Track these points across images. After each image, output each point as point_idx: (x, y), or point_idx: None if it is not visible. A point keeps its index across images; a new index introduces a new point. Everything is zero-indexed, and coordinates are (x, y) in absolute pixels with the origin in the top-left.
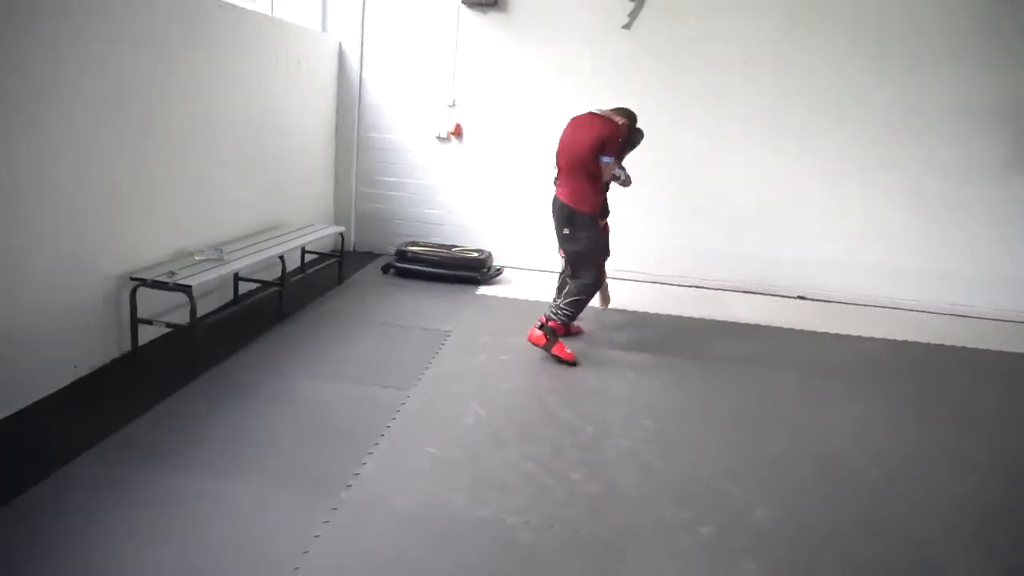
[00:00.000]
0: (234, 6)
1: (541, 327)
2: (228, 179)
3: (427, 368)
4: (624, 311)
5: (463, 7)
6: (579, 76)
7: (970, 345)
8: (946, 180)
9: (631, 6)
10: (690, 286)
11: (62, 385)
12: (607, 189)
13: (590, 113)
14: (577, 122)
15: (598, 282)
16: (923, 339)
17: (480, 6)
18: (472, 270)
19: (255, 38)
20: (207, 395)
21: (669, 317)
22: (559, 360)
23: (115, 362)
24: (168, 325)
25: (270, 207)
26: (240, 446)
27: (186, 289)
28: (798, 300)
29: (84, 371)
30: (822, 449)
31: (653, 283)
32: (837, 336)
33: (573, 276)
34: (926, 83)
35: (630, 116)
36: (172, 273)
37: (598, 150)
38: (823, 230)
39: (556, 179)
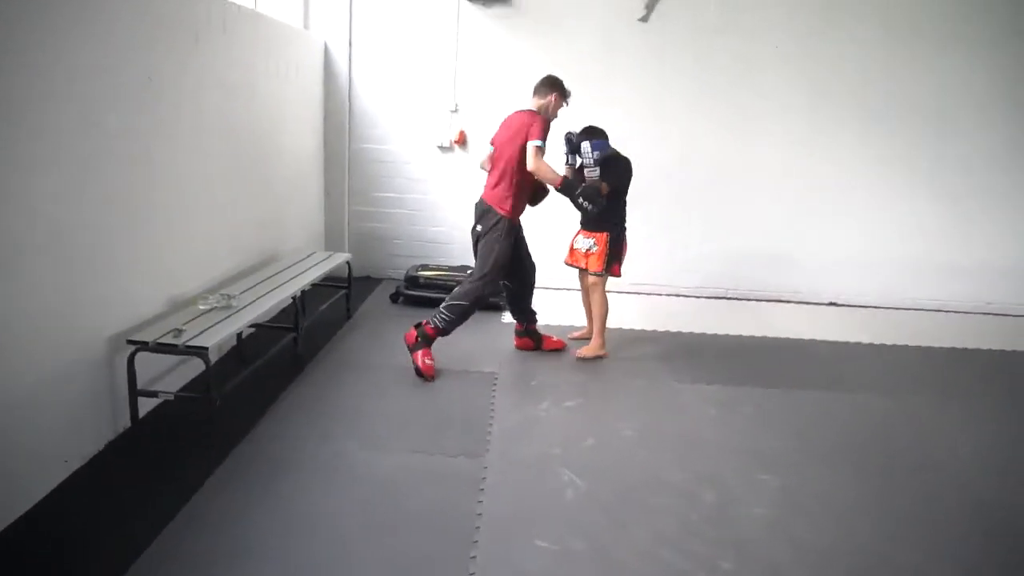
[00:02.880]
0: (224, 0)
1: (417, 326)
2: (219, 207)
3: (490, 424)
4: (664, 332)
5: (464, 1)
6: (594, 75)
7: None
8: (971, 171)
9: None
10: (715, 297)
11: (53, 486)
12: (531, 190)
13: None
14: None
15: (484, 296)
16: (987, 344)
17: (485, 1)
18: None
19: (246, 40)
20: (243, 484)
21: (715, 336)
22: (417, 371)
23: (112, 446)
24: (176, 396)
25: (263, 235)
26: (306, 553)
27: (201, 352)
28: (830, 306)
29: (76, 464)
30: (978, 490)
31: (677, 296)
32: (900, 348)
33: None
34: (959, 68)
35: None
36: (178, 331)
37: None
38: (848, 228)
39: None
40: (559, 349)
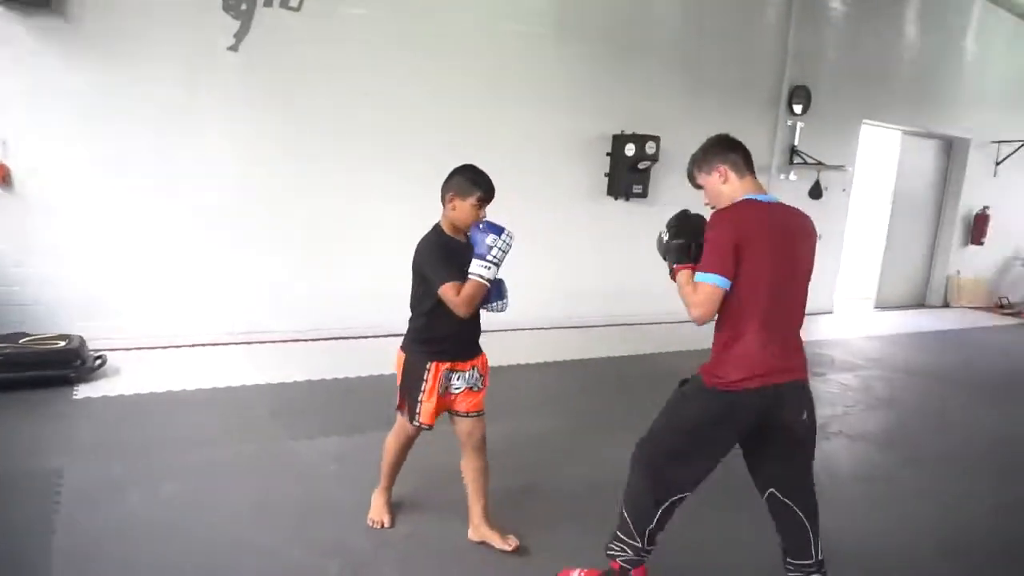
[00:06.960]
0: None
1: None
2: None
3: (51, 543)
4: (225, 388)
5: None
6: (176, 105)
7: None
8: (544, 206)
9: (236, 25)
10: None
11: None
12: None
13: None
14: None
15: (648, 483)
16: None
17: (21, 5)
18: (62, 366)
19: None
20: None
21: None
22: None
23: None
24: None
25: None
26: None
27: None
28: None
29: None
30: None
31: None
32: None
33: None
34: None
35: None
36: None
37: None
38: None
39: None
40: None
